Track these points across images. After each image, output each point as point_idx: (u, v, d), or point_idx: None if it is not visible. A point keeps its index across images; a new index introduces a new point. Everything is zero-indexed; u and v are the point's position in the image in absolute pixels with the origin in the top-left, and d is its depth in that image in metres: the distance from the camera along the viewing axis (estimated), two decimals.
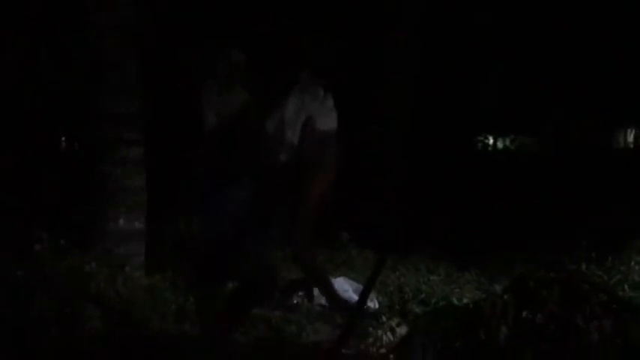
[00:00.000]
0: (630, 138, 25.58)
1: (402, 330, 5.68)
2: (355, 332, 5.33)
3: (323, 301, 7.06)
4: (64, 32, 10.51)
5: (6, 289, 6.09)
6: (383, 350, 5.51)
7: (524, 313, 5.71)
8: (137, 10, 8.71)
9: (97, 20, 8.36)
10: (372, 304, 6.97)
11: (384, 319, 6.20)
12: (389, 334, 5.72)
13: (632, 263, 7.84)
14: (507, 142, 26.67)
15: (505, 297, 5.78)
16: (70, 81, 9.62)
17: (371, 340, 5.76)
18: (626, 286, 7.14)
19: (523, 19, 16.63)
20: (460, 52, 16.09)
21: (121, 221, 8.10)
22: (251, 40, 10.80)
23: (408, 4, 12.98)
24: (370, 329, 6.01)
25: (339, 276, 7.58)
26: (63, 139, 14.52)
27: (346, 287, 7.25)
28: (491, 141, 25.74)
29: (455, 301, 6.93)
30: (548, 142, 23.26)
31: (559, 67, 17.83)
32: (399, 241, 8.92)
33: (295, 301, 7.13)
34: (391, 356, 5.16)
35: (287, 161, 6.07)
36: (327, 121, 6.22)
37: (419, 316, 6.20)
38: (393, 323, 5.97)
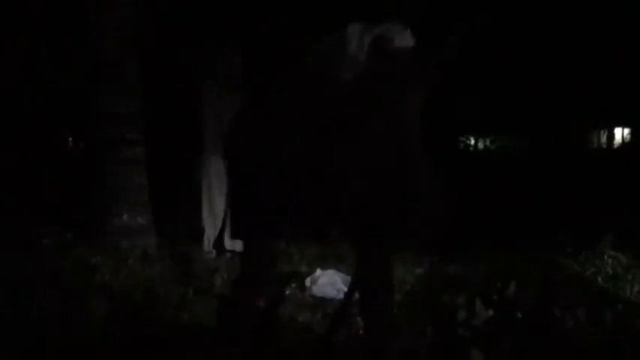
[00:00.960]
0: (603, 139, 25.81)
1: None
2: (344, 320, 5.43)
3: (314, 292, 7.23)
4: (64, 33, 10.51)
5: (17, 281, 6.20)
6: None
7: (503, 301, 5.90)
8: (137, 11, 8.77)
9: (98, 21, 8.43)
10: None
11: None
12: None
13: (605, 257, 7.98)
14: (488, 143, 26.83)
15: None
16: (72, 82, 9.65)
17: (356, 327, 5.89)
18: (599, 279, 7.27)
19: (504, 29, 16.66)
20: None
21: (125, 217, 8.24)
22: (250, 41, 10.83)
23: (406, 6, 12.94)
24: (357, 318, 6.16)
25: (329, 268, 7.68)
26: (70, 139, 14.57)
27: (335, 279, 7.36)
28: (472, 141, 25.90)
29: None
30: (527, 143, 23.42)
31: (537, 74, 17.95)
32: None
33: (288, 292, 7.23)
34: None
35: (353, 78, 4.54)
36: (402, 37, 4.77)
37: (400, 305, 6.35)
38: None
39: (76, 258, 7.39)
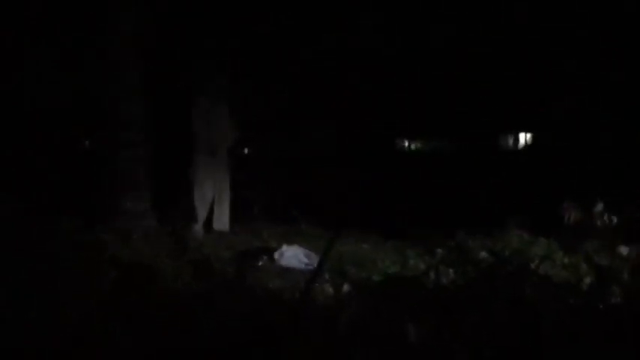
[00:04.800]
0: (511, 141, 25.99)
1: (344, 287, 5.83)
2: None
3: (281, 263, 7.27)
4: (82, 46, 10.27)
5: (42, 254, 6.14)
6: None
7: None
8: (146, 40, 8.75)
9: (108, 38, 8.39)
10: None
11: (327, 277, 6.36)
12: (330, 288, 5.86)
13: (511, 234, 8.12)
14: (418, 145, 26.97)
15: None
16: (87, 91, 9.52)
17: (317, 292, 5.91)
18: (507, 252, 7.36)
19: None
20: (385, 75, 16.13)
21: (130, 204, 8.24)
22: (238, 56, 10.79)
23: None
24: (316, 284, 6.18)
25: (293, 244, 7.72)
26: (87, 141, 14.50)
27: (298, 252, 7.44)
28: (407, 143, 26.03)
29: (379, 263, 7.11)
30: (451, 145, 23.56)
31: (461, 87, 17.98)
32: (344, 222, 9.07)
33: (260, 263, 7.25)
34: None
35: None
36: None
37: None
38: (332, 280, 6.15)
39: (89, 236, 7.36)
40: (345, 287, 5.87)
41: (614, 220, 8.62)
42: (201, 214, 9.20)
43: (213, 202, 9.31)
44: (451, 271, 6.25)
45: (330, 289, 5.83)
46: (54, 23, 11.42)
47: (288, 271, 7.02)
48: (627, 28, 13.16)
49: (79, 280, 5.56)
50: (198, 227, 9.16)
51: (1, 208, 7.24)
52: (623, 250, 7.77)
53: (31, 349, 3.87)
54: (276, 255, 7.40)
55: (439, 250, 7.47)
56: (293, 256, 7.37)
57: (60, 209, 8.15)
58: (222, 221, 9.38)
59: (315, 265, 6.96)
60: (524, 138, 25.81)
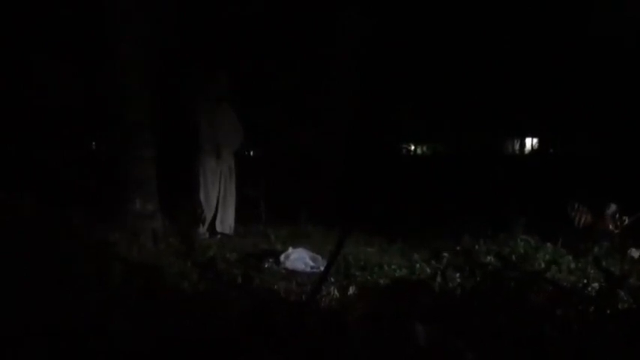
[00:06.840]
0: (517, 146, 26.00)
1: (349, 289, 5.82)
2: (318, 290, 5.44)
3: (287, 265, 7.26)
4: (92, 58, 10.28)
5: (54, 252, 6.15)
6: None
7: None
8: (154, 42, 8.78)
9: (122, 53, 8.41)
10: (323, 268, 7.13)
11: (332, 280, 6.35)
12: (336, 291, 5.85)
13: (518, 240, 8.10)
14: (424, 149, 27.02)
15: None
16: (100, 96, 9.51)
17: (323, 294, 5.91)
18: (513, 257, 7.36)
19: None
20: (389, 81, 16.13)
21: (137, 204, 8.26)
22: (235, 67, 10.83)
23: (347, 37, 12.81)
24: (322, 287, 6.17)
25: (300, 246, 7.73)
26: (93, 143, 14.54)
27: (304, 255, 7.44)
28: (412, 147, 26.07)
29: (385, 267, 7.10)
30: (454, 149, 23.56)
31: (466, 91, 17.96)
32: (352, 226, 9.07)
33: (266, 265, 7.25)
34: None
35: None
36: None
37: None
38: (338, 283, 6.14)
39: (99, 235, 7.38)
40: (351, 290, 5.87)
41: (626, 221, 8.63)
42: (207, 215, 9.21)
43: (218, 204, 9.31)
44: (458, 275, 6.26)
45: (335, 292, 5.81)
46: (64, 24, 11.42)
47: (293, 273, 7.01)
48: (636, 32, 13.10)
49: (88, 277, 5.59)
50: (204, 229, 9.17)
51: (18, 207, 7.27)
52: (634, 252, 7.78)
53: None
54: (282, 257, 7.40)
55: (446, 254, 7.47)
56: (299, 258, 7.37)
57: (71, 208, 8.21)
58: (227, 223, 9.38)
59: (321, 268, 6.99)
60: (530, 143, 25.83)
